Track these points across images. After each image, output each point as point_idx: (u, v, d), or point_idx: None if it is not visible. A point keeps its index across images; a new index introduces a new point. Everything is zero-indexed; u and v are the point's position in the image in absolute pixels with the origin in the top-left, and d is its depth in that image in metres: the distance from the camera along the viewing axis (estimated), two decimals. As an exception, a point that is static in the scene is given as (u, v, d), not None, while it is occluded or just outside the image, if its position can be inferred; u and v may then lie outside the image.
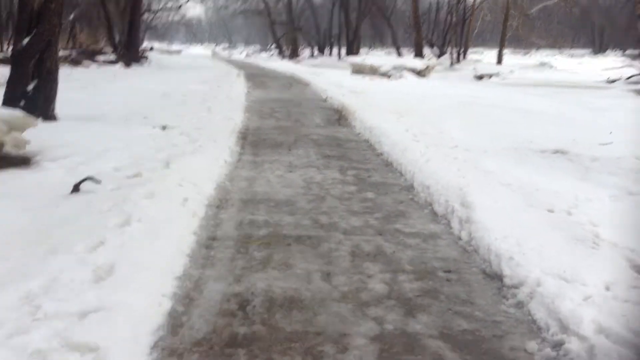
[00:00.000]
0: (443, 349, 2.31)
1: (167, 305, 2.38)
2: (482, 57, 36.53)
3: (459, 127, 7.44)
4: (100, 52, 21.10)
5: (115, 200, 3.54)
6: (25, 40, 6.89)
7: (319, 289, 2.75)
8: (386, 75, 17.21)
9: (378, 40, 49.87)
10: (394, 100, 10.60)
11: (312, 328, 2.35)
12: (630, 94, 14.67)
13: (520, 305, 2.73)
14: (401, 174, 5.37)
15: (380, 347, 2.27)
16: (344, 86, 13.63)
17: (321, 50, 43.95)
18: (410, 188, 4.91)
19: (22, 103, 6.68)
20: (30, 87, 6.90)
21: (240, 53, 52.34)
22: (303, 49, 45.65)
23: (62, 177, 4.25)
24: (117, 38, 24.22)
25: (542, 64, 28.12)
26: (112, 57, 20.23)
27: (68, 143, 5.39)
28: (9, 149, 4.61)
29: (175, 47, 57.75)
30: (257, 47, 63.67)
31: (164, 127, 6.65)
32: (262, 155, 5.98)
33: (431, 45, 33.54)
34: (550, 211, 3.98)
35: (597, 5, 51.55)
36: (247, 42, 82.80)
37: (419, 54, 26.80)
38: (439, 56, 31.95)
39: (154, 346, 2.11)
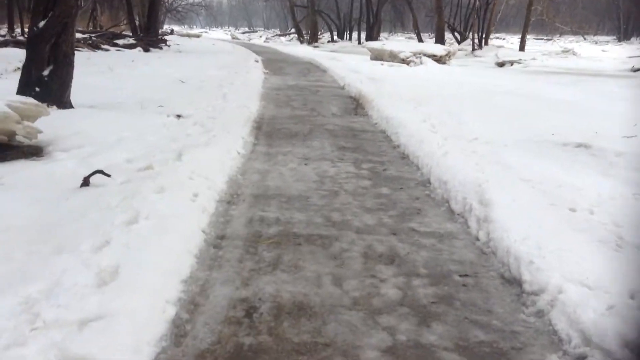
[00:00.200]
0: (457, 362, 2.20)
1: (171, 311, 2.30)
2: (505, 43, 35.88)
3: (478, 118, 7.25)
4: (120, 36, 21.09)
5: (124, 195, 3.47)
6: (41, 24, 6.80)
7: (329, 294, 2.65)
8: (406, 61, 16.95)
9: (399, 25, 49.34)
10: (413, 88, 10.40)
11: (320, 339, 2.26)
12: (656, 83, 14.25)
13: (540, 314, 2.61)
14: (417, 168, 5.24)
15: (391, 360, 2.17)
16: (362, 73, 13.44)
17: (341, 35, 43.56)
18: (426, 183, 4.78)
19: (37, 89, 6.64)
20: (46, 72, 6.83)
21: (260, 37, 52.07)
22: (322, 33, 45.29)
23: (74, 168, 4.20)
24: (137, 21, 24.22)
25: (565, 51, 27.44)
26: (132, 40, 20.20)
27: (81, 132, 5.33)
28: (20, 138, 4.56)
29: (195, 30, 57.69)
30: (277, 31, 63.41)
31: (178, 116, 6.57)
32: (276, 147, 5.87)
33: (453, 30, 33.00)
34: (572, 210, 3.82)
35: (624, -10, 50.37)
36: (267, 26, 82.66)
37: (440, 39, 26.34)
38: (460, 42, 31.46)
39: (156, 359, 2.03)
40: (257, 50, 24.54)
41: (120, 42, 19.66)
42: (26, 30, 17.08)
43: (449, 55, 17.82)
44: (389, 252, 3.23)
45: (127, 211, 3.16)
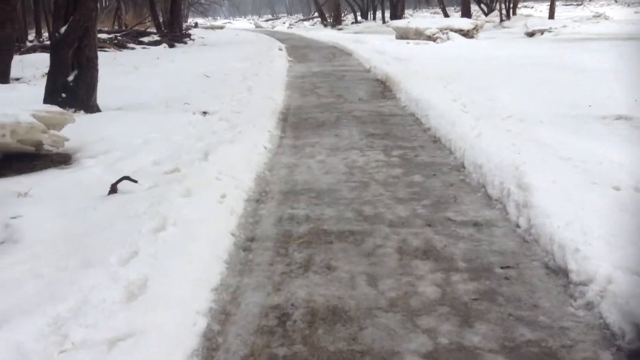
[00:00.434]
0: (504, 365, 2.08)
1: (202, 324, 2.23)
2: (533, 12, 34.86)
3: (510, 93, 7.00)
4: (144, 33, 21.20)
5: (151, 201, 3.42)
6: (63, 29, 6.80)
7: (364, 295, 2.54)
8: (432, 38, 16.60)
9: (423, 1, 48.43)
10: (441, 65, 10.14)
11: (357, 346, 2.16)
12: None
13: (589, 306, 2.45)
14: (450, 152, 5.07)
15: (433, 366, 2.06)
16: (388, 53, 13.19)
17: (364, 16, 43.04)
18: (460, 167, 4.61)
19: (63, 95, 6.67)
20: (71, 77, 6.84)
21: (283, 24, 51.86)
22: (346, 15, 44.83)
23: (101, 175, 4.17)
24: (160, 17, 24.31)
25: (597, 16, 26.47)
26: (157, 37, 20.29)
27: (108, 137, 5.32)
28: (47, 147, 4.57)
29: (218, 22, 57.80)
30: (300, 16, 63.08)
31: (204, 113, 6.52)
32: (303, 138, 5.77)
33: (479, 2, 32.18)
34: (616, 189, 3.62)
35: (657, -54, 48.32)
36: (290, 12, 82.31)
37: (466, 12, 25.72)
38: (488, 13, 30.69)
39: (187, 377, 1.97)
40: (280, 37, 24.41)
41: (146, 39, 19.77)
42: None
43: (476, 28, 17.36)
44: (425, 246, 3.10)
45: (154, 218, 3.11)
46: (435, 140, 5.56)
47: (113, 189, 3.72)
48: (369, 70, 11.37)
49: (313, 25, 43.76)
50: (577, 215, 3.15)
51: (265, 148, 5.28)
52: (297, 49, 17.93)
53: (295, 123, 6.60)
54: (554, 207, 3.28)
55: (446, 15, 29.34)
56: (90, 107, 6.82)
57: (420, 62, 10.90)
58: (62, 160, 4.65)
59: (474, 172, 4.38)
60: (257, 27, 47.34)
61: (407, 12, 44.68)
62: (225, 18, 75.72)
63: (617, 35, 17.68)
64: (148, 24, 26.83)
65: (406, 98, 7.57)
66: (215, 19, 67.81)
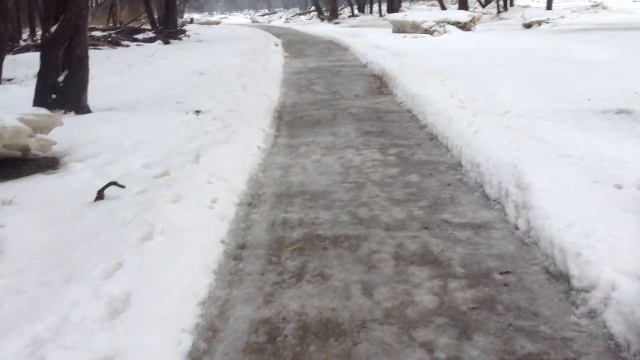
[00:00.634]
0: (504, 381, 1.98)
1: (187, 343, 2.12)
2: (531, 2, 34.62)
3: (508, 88, 6.89)
4: (139, 30, 21.04)
5: (139, 208, 3.32)
6: (53, 28, 6.67)
7: (358, 306, 2.44)
8: (429, 31, 16.47)
9: (420, -7, 48.16)
10: (438, 60, 10.03)
11: (350, 363, 2.06)
12: (696, 31, 13.47)
13: (592, 314, 2.35)
14: (447, 149, 4.97)
15: (429, 383, 1.97)
16: (385, 48, 13.07)
17: (361, 9, 42.86)
18: (457, 166, 4.51)
19: (53, 96, 6.55)
20: (61, 78, 6.71)
21: (280, 18, 51.63)
22: (343, 8, 44.63)
23: (89, 179, 4.06)
24: (156, 14, 24.12)
25: (595, 5, 26.36)
26: (151, 34, 20.13)
27: (98, 138, 5.21)
28: (35, 151, 4.46)
29: (215, 17, 57.54)
30: (296, 10, 62.82)
31: (197, 112, 6.41)
32: (298, 137, 5.66)
33: (475, -6, 32.01)
34: (618, 187, 3.51)
35: None
36: (286, 6, 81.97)
37: (463, 4, 25.58)
38: (485, 5, 30.54)
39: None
40: (276, 32, 24.25)
41: (140, 36, 19.63)
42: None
43: (473, 20, 17.23)
44: (422, 251, 3.00)
45: (141, 227, 3.01)
46: (432, 137, 5.46)
47: (100, 196, 3.61)
48: (365, 66, 11.25)
49: (310, 19, 43.57)
50: (578, 217, 3.05)
51: (259, 148, 5.18)
52: (293, 44, 17.79)
53: (290, 121, 6.49)
54: (554, 208, 3.18)
55: (443, 7, 29.17)
56: (81, 108, 6.70)
57: (417, 56, 10.78)
58: (50, 164, 4.55)
59: (471, 170, 4.28)
60: (253, 22, 47.12)
61: (404, 4, 44.42)
62: (222, 13, 75.41)
63: (615, 25, 17.57)
64: (143, 20, 26.65)
65: (403, 94, 7.46)
66: (211, 14, 67.48)
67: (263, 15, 61.27)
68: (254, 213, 3.65)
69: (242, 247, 3.11)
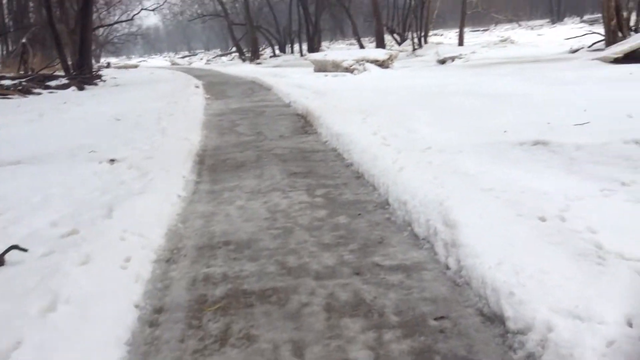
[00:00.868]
0: None
1: None
2: (443, 39, 36.35)
3: (428, 124, 7.00)
4: (52, 77, 20.17)
5: (42, 273, 2.99)
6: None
7: (288, 370, 2.25)
8: (349, 69, 16.77)
9: (339, 32, 49.58)
10: (359, 97, 10.14)
11: None
12: (595, 63, 14.43)
13: (531, 358, 2.27)
14: (374, 188, 4.91)
15: None
16: (307, 87, 13.14)
17: (282, 49, 43.43)
18: (385, 205, 4.44)
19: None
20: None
21: (201, 60, 51.37)
22: (264, 49, 45.08)
23: (-11, 243, 3.67)
24: (70, 60, 23.27)
25: (503, 40, 27.94)
26: (65, 80, 19.34)
27: (3, 196, 4.78)
28: None
29: (133, 60, 56.54)
30: (217, 51, 62.91)
31: (112, 161, 6.06)
32: (222, 182, 5.45)
33: (392, 32, 33.24)
34: (542, 219, 3.54)
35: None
36: (207, 48, 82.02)
37: (380, 43, 26.42)
38: (401, 43, 31.71)
39: None
40: (197, 74, 24.00)
41: (53, 83, 18.78)
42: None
43: (391, 58, 17.72)
44: (354, 300, 2.85)
45: (44, 296, 2.69)
46: (359, 176, 5.40)
47: (0, 262, 3.25)
48: (288, 105, 11.22)
49: (231, 60, 43.63)
50: (507, 253, 3.01)
51: (179, 196, 4.92)
52: (215, 85, 17.61)
53: (212, 165, 6.26)
54: (482, 246, 3.14)
55: (361, 46, 30.03)
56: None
57: (339, 95, 10.87)
58: (-57, 228, 4.09)
59: (399, 209, 4.22)
60: (173, 64, 46.58)
61: (324, 44, 45.52)
62: (140, 56, 74.26)
63: (523, 58, 18.61)
64: (57, 67, 25.67)
65: (327, 133, 7.43)
66: (129, 58, 66.29)
67: (183, 57, 60.78)
68: (173, 270, 3.38)
69: (159, 310, 2.85)
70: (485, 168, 4.75)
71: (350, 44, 43.76)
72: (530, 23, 52.01)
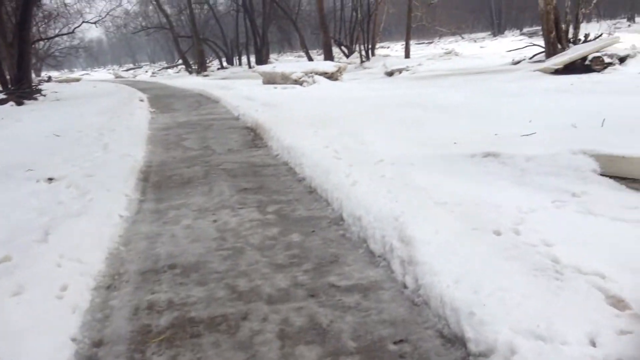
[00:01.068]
0: None
1: None
2: (390, 52, 36.91)
3: (379, 136, 6.96)
4: (-13, 92, 19.23)
5: (-33, 308, 2.72)
6: None
7: (240, 408, 2.08)
8: (298, 82, 16.69)
9: (287, 45, 49.58)
10: (310, 110, 10.05)
11: None
12: (536, 74, 14.85)
13: (495, 382, 2.18)
14: (327, 203, 4.78)
15: None
16: (257, 99, 12.96)
17: (230, 61, 43.09)
18: (339, 220, 4.32)
19: None
20: None
21: (146, 72, 50.32)
22: (211, 61, 44.62)
23: None
24: (8, 74, 22.27)
25: (448, 52, 28.57)
26: (2, 96, 18.47)
27: None
28: None
29: (75, 74, 54.87)
30: (163, 64, 61.93)
31: (50, 179, 5.73)
32: (167, 200, 5.21)
33: (340, 45, 33.48)
34: (497, 233, 3.49)
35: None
36: (153, 60, 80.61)
37: (328, 55, 26.54)
38: (349, 55, 31.96)
39: None
40: (142, 87, 23.42)
41: (-11, 98, 17.91)
42: None
43: (339, 70, 17.77)
44: (310, 325, 2.71)
45: (-33, 334, 2.43)
46: (311, 190, 5.26)
47: None
48: (237, 118, 11.02)
49: (178, 72, 42.92)
50: (465, 270, 2.94)
51: (121, 217, 4.65)
52: (161, 98, 17.19)
53: (158, 182, 6.00)
54: (440, 263, 3.05)
55: (310, 58, 30.08)
56: None
57: (289, 107, 10.75)
58: None
59: (353, 225, 4.11)
60: (117, 77, 45.42)
61: (272, 56, 45.47)
62: (83, 70, 72.19)
63: (468, 70, 19.01)
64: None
65: (278, 146, 7.28)
66: (72, 71, 64.32)
67: (128, 70, 59.40)
68: (114, 298, 3.15)
69: (99, 344, 2.62)
70: (438, 180, 4.71)
71: (299, 56, 43.85)
72: (473, 36, 53.53)
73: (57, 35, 34.69)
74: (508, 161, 5.08)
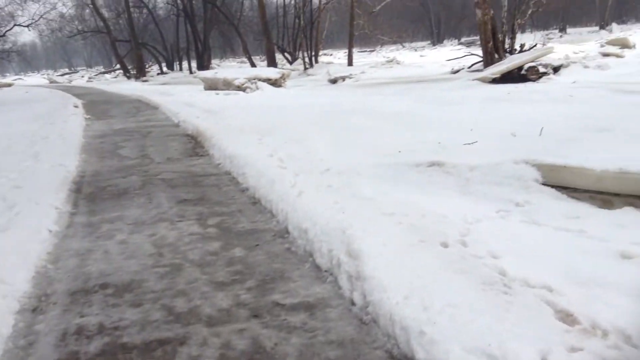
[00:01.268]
0: None
1: None
2: (333, 59, 37.11)
3: (325, 144, 6.87)
4: None
5: None
6: None
7: None
8: (241, 88, 16.43)
9: (229, 50, 49.04)
10: (254, 117, 9.86)
11: None
12: (475, 83, 15.19)
13: (448, 405, 2.09)
14: (272, 215, 4.62)
15: None
16: (198, 105, 12.65)
17: (170, 66, 42.21)
18: (284, 233, 4.17)
19: None
20: None
21: (82, 77, 48.56)
22: (151, 66, 43.59)
23: None
24: None
25: (390, 61, 28.93)
26: None
27: None
28: None
29: (7, 79, 52.34)
30: (100, 69, 60.11)
31: (-29, 192, 5.31)
32: (101, 213, 4.91)
33: (283, 52, 33.38)
34: (444, 245, 3.44)
35: (431, -2, 55.18)
36: (90, 65, 78.09)
37: (271, 62, 26.39)
38: (292, 62, 31.91)
39: None
40: (78, 93, 22.52)
41: None
42: None
43: (283, 77, 17.63)
44: (253, 349, 2.54)
45: None
46: (255, 201, 5.09)
47: None
48: (177, 125, 10.69)
49: (116, 77, 41.64)
50: (414, 285, 2.85)
51: (51, 232, 4.34)
52: (97, 104, 16.54)
53: (91, 194, 5.67)
54: (388, 278, 2.96)
55: (253, 64, 29.85)
56: None
57: (232, 114, 10.51)
58: None
59: (299, 238, 3.96)
60: (52, 82, 43.61)
61: (214, 61, 44.87)
62: (16, 74, 68.96)
63: (409, 78, 19.28)
64: None
65: (220, 155, 7.05)
66: (3, 76, 61.38)
67: (63, 75, 57.11)
68: (40, 322, 2.88)
69: (19, 378, 2.37)
70: (385, 190, 4.64)
71: (242, 62, 43.46)
72: (413, 45, 54.60)
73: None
74: (452, 170, 5.08)
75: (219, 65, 41.31)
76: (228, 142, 7.36)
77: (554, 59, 15.32)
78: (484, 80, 14.94)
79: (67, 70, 69.15)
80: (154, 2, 44.43)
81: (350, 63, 28.50)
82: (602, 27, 43.27)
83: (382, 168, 5.47)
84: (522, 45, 18.69)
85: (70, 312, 3.00)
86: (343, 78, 20.51)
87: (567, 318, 2.46)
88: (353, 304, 2.95)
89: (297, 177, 5.21)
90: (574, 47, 22.43)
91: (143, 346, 2.60)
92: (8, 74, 68.91)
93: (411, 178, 5.08)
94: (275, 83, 16.82)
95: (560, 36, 41.66)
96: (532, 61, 14.45)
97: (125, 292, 3.21)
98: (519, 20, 19.14)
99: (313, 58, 29.89)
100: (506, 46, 18.28)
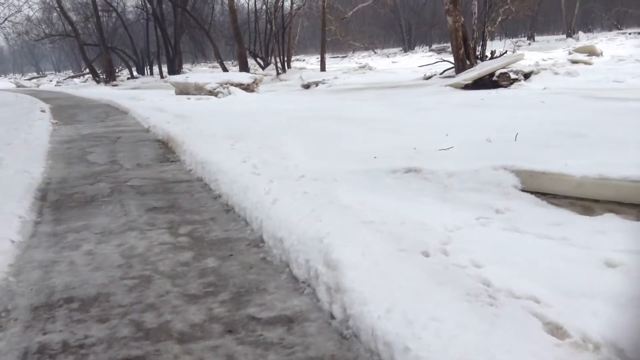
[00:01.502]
0: None
1: None
2: (306, 64, 37.07)
3: (300, 150, 6.75)
4: None
5: None
6: None
7: None
8: (213, 93, 16.25)
9: (200, 55, 48.62)
10: (226, 122, 9.69)
11: None
12: (447, 89, 15.29)
13: None
14: (246, 223, 4.47)
15: None
16: (169, 110, 12.41)
17: (141, 71, 41.60)
18: (259, 242, 4.02)
19: None
20: None
21: (50, 81, 47.54)
22: (121, 70, 42.95)
23: None
24: None
25: (362, 67, 28.98)
26: None
27: None
28: None
29: (-30, 82, 50.93)
30: (69, 73, 58.98)
31: None
32: (67, 222, 4.69)
33: (255, 57, 33.18)
34: (425, 254, 3.35)
35: (403, 3, 55.62)
36: (58, 69, 76.58)
37: (243, 67, 26.20)
38: (264, 67, 31.74)
39: None
40: (45, 97, 21.96)
41: None
42: None
43: (256, 82, 17.49)
44: (228, 367, 2.40)
45: None
46: (228, 209, 4.93)
47: None
48: (148, 130, 10.43)
49: (85, 82, 40.85)
50: (396, 298, 2.74)
51: (13, 242, 4.11)
52: (64, 109, 16.12)
53: (57, 202, 5.43)
54: (369, 289, 2.84)
55: (225, 69, 29.58)
56: None
57: (204, 119, 10.32)
58: None
59: (274, 247, 3.82)
60: (18, 86, 42.52)
61: (186, 66, 44.43)
62: (-19, 78, 67.23)
63: (382, 84, 19.32)
64: None
65: (191, 161, 6.87)
66: (-33, 80, 59.74)
67: (30, 79, 55.78)
68: (-2, 341, 2.69)
69: (-28, 406, 2.19)
70: (362, 197, 4.54)
71: (213, 67, 43.10)
72: (385, 51, 54.97)
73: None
74: (430, 177, 5.00)
75: (190, 70, 40.89)
76: (200, 147, 7.18)
77: (524, 65, 15.51)
78: (456, 86, 15.04)
79: (35, 74, 67.64)
80: (123, 6, 43.94)
81: (323, 68, 28.48)
82: (569, 35, 44.24)
83: (358, 174, 5.38)
84: (492, 52, 18.90)
85: (32, 328, 2.80)
86: (316, 83, 20.46)
87: (556, 331, 2.38)
88: (333, 317, 2.83)
89: (272, 183, 5.07)
90: (543, 54, 22.82)
91: (110, 367, 2.43)
92: (-29, 79, 67.11)
93: (388, 184, 5.00)
94: (247, 88, 16.67)
95: (529, 44, 42.42)
96: (503, 68, 14.60)
97: (91, 307, 3.03)
98: (489, 28, 19.37)
99: (285, 63, 29.77)
100: (477, 53, 18.45)
